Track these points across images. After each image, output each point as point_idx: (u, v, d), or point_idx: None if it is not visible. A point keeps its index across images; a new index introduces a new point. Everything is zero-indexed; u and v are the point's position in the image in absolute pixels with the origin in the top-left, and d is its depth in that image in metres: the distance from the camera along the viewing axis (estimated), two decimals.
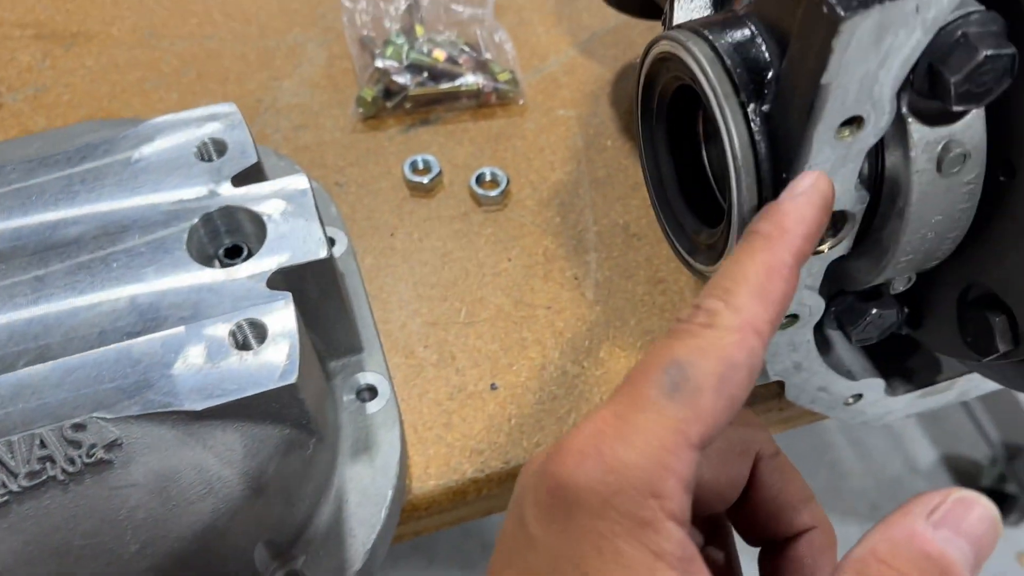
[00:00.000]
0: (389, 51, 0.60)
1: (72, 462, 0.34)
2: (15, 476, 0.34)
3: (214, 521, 0.37)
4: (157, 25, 0.66)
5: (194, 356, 0.37)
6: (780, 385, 0.44)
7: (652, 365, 0.27)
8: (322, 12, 0.67)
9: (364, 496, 0.43)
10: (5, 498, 0.34)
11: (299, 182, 0.43)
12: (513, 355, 0.50)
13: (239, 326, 0.38)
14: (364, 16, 0.62)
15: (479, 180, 0.56)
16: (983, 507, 0.26)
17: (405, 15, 0.62)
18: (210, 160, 0.44)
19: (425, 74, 0.60)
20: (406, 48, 0.61)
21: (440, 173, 0.56)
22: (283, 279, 0.40)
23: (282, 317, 0.38)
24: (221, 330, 0.38)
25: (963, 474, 1.67)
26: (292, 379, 0.37)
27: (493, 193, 0.56)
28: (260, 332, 0.38)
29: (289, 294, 0.39)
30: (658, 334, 0.51)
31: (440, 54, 0.61)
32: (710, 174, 0.38)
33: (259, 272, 0.40)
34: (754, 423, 0.35)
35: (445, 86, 0.59)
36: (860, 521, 1.59)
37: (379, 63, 0.59)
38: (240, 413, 0.37)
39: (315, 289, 0.42)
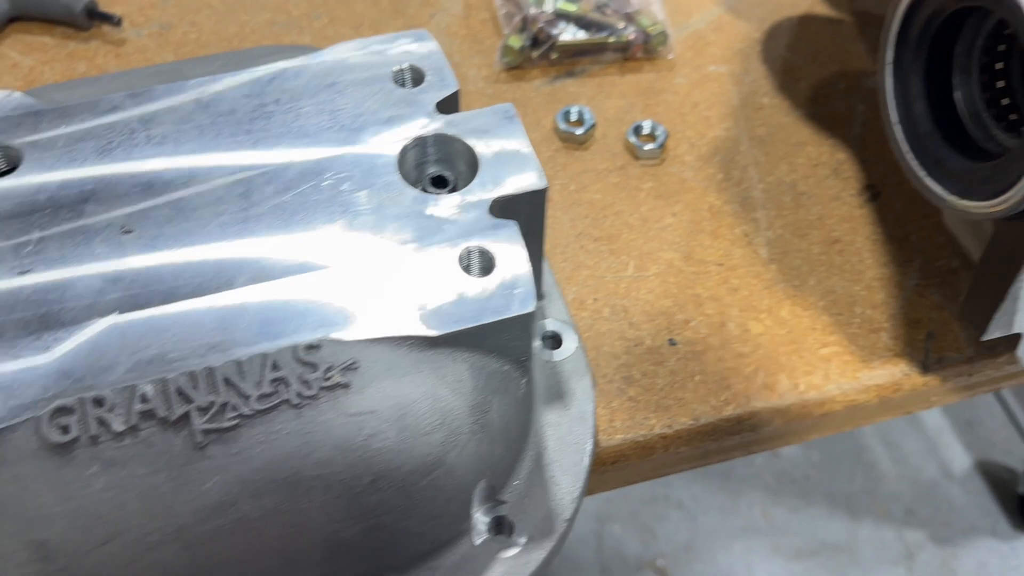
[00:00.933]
0: None
1: (308, 385, 0.32)
2: (246, 399, 0.32)
3: (444, 455, 0.34)
4: None
5: (426, 281, 0.35)
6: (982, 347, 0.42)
7: None
8: None
9: (563, 444, 0.41)
10: (235, 422, 0.31)
11: (507, 111, 0.40)
12: (689, 311, 0.48)
13: (468, 252, 0.35)
14: None
15: (637, 132, 0.54)
16: None
17: None
18: (408, 87, 0.41)
19: (572, 24, 0.58)
20: None
21: (594, 125, 0.54)
22: (499, 210, 0.38)
23: (511, 245, 0.36)
24: (450, 256, 0.35)
25: (998, 481, 1.66)
26: (531, 307, 0.34)
27: (650, 147, 0.54)
28: (488, 260, 0.35)
29: (514, 222, 0.37)
30: (840, 295, 0.49)
31: (587, 4, 0.58)
32: (964, 111, 0.36)
33: (478, 200, 0.37)
34: None
35: (595, 37, 0.57)
36: (896, 525, 1.58)
37: (530, 10, 0.57)
38: (471, 342, 0.35)
39: (524, 222, 0.39)
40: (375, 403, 0.33)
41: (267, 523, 0.32)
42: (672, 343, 0.46)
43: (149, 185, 0.37)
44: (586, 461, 0.40)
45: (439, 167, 0.40)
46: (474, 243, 0.36)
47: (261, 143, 0.39)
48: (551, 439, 0.41)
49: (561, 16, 0.58)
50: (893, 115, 0.38)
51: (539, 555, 0.38)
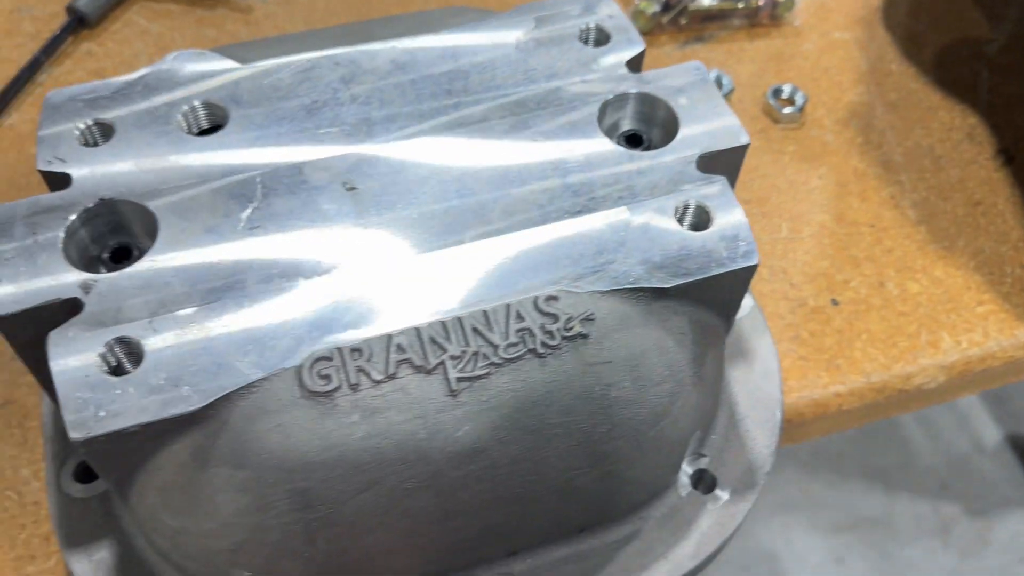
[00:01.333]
0: None
1: (551, 335, 0.33)
2: (495, 348, 0.32)
3: (671, 406, 0.35)
4: None
5: (646, 236, 0.35)
6: None
7: None
8: None
9: (753, 399, 0.41)
10: (486, 371, 0.32)
11: (697, 68, 0.41)
12: (847, 272, 0.48)
13: (684, 206, 0.36)
14: None
15: (776, 94, 0.54)
16: None
17: None
18: (594, 46, 0.42)
19: None
20: None
21: (733, 90, 0.55)
22: (703, 165, 0.38)
23: (724, 199, 0.36)
24: (666, 210, 0.36)
25: None
26: (755, 260, 0.35)
27: (789, 110, 0.54)
28: (705, 214, 0.36)
29: (723, 177, 0.37)
30: (989, 255, 0.49)
31: None
32: None
33: (683, 155, 0.38)
34: None
35: (726, 2, 0.58)
36: (931, 499, 1.60)
37: None
38: (694, 295, 0.35)
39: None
40: (612, 353, 0.33)
41: (512, 470, 0.33)
42: (835, 303, 0.47)
43: (364, 141, 0.37)
44: (778, 416, 0.41)
45: (636, 124, 0.40)
46: (689, 198, 0.36)
47: (463, 103, 0.39)
48: (739, 395, 0.41)
49: None
50: None
51: (744, 507, 0.38)
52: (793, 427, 0.44)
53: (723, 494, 0.39)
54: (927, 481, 1.65)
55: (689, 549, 0.37)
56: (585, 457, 0.34)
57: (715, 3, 0.58)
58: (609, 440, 0.34)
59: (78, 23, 0.56)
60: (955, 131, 0.55)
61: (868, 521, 1.55)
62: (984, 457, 1.70)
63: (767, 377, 0.42)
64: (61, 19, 0.57)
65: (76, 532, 0.37)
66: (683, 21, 0.58)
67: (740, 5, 0.58)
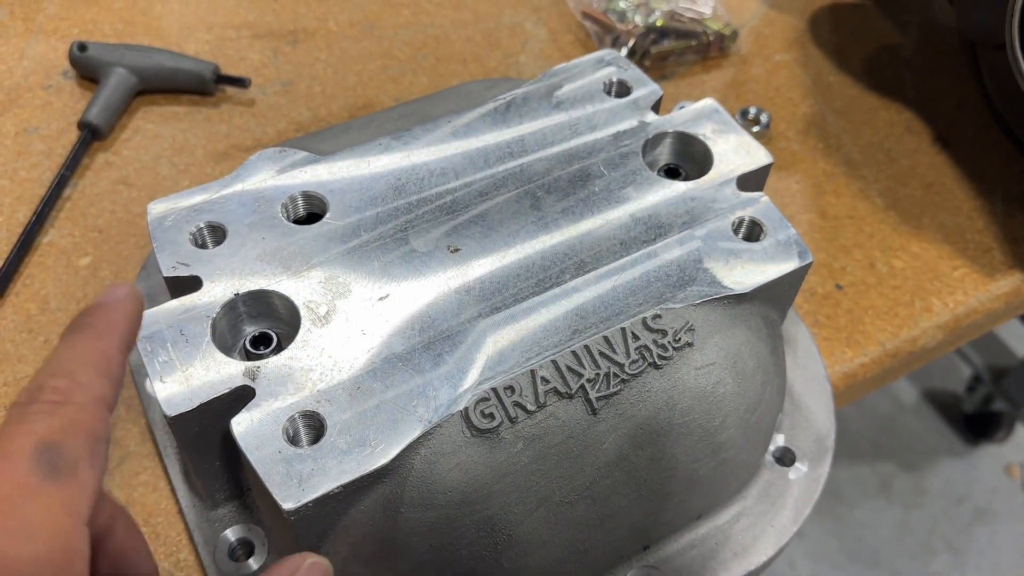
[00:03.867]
0: (625, 16, 0.65)
1: (664, 348, 0.38)
2: (621, 366, 0.37)
3: (763, 392, 0.40)
4: (372, 18, 0.68)
5: (716, 251, 0.41)
6: None
7: (15, 452, 0.25)
8: None
9: (806, 380, 0.48)
10: (618, 388, 0.37)
11: (712, 105, 0.47)
12: (842, 259, 0.55)
13: (739, 222, 0.42)
14: None
15: (744, 115, 0.62)
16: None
17: None
18: (619, 96, 0.47)
19: (655, 34, 0.65)
20: (633, 12, 0.66)
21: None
22: (740, 185, 0.44)
23: (769, 210, 0.43)
24: (724, 228, 0.42)
25: (944, 405, 1.83)
26: (809, 259, 0.41)
27: (757, 128, 0.61)
28: (758, 226, 0.42)
29: (763, 193, 0.43)
30: (951, 227, 0.58)
31: (661, 17, 0.66)
32: None
33: (724, 179, 0.44)
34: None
35: (682, 42, 0.65)
36: (868, 461, 1.71)
37: (621, 26, 0.64)
38: (763, 295, 0.41)
39: None
40: (714, 355, 0.39)
41: (650, 469, 0.38)
42: (839, 287, 0.54)
43: (451, 208, 0.42)
44: (829, 389, 0.47)
45: (673, 159, 0.46)
46: (743, 215, 0.42)
47: (526, 161, 0.44)
48: (793, 377, 0.48)
49: (650, 30, 0.65)
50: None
51: (823, 472, 0.44)
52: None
53: (802, 465, 0.44)
54: (861, 444, 1.77)
55: (788, 517, 0.43)
56: (705, 449, 0.39)
57: (673, 43, 0.65)
58: (723, 431, 0.39)
59: (91, 135, 0.57)
60: (896, 126, 0.64)
61: None
62: (906, 414, 1.84)
63: (811, 358, 0.48)
64: (71, 134, 0.58)
65: None
66: (647, 63, 0.65)
67: (693, 43, 0.65)
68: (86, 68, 0.60)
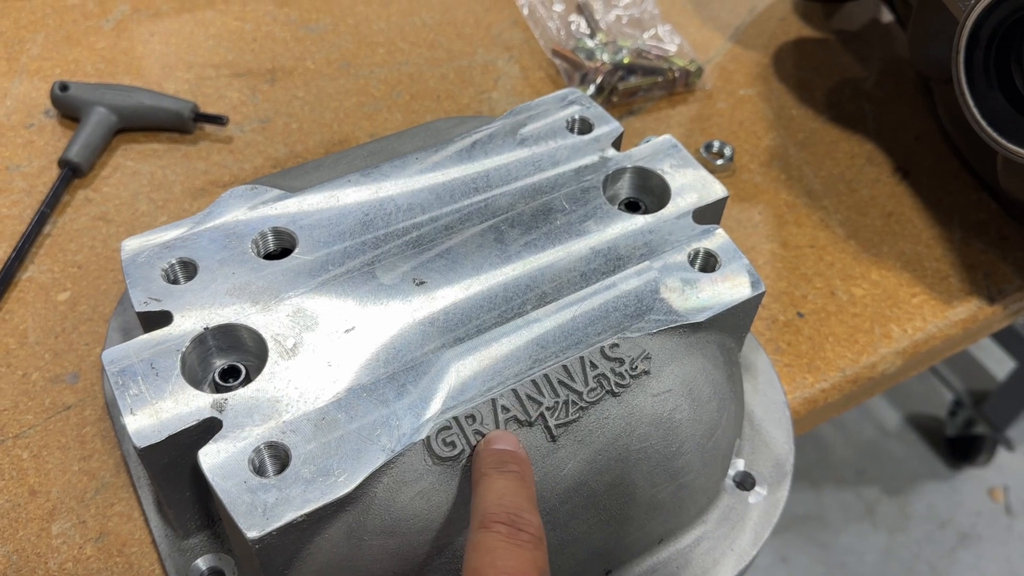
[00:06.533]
0: (593, 54, 0.67)
1: (621, 376, 0.39)
2: (580, 394, 0.38)
3: (720, 418, 0.42)
4: (348, 57, 0.70)
5: (672, 282, 0.42)
6: None
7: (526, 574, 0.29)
8: (497, 32, 0.73)
9: (766, 405, 0.49)
10: (577, 415, 0.38)
11: (668, 140, 0.49)
12: (803, 288, 0.57)
13: (695, 254, 0.43)
14: (559, 31, 0.69)
15: (708, 149, 0.64)
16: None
17: (589, 23, 0.70)
18: (581, 134, 0.49)
19: (622, 71, 0.67)
20: (600, 50, 0.68)
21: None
22: (697, 218, 0.46)
23: (723, 243, 0.44)
24: (680, 260, 0.43)
25: (927, 429, 1.84)
26: (763, 288, 0.43)
27: (721, 161, 0.63)
28: (713, 257, 0.44)
29: (718, 225, 0.45)
30: (909, 255, 0.59)
31: (628, 54, 0.68)
32: None
33: (680, 213, 0.45)
34: None
35: (649, 79, 0.67)
36: (852, 487, 1.72)
37: (590, 63, 0.66)
38: (719, 324, 0.42)
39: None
40: (670, 383, 0.40)
41: (610, 495, 0.39)
42: (800, 315, 0.56)
43: (418, 242, 0.43)
44: (788, 415, 0.49)
45: (633, 192, 0.48)
46: (698, 246, 0.44)
47: (491, 196, 0.45)
48: (753, 403, 0.49)
49: (618, 67, 0.67)
50: (969, 107, 0.49)
51: (782, 496, 0.45)
52: (794, 424, 0.52)
53: (762, 489, 0.46)
54: (845, 471, 1.78)
55: (748, 540, 0.44)
56: (664, 474, 0.40)
57: (640, 80, 0.67)
58: (680, 456, 0.40)
59: (72, 173, 0.59)
60: (857, 158, 0.66)
61: (801, 519, 1.65)
62: (889, 439, 1.85)
63: (771, 385, 0.50)
64: (51, 172, 0.60)
65: None
66: (615, 99, 0.67)
67: (659, 79, 0.67)
68: (67, 107, 0.62)
